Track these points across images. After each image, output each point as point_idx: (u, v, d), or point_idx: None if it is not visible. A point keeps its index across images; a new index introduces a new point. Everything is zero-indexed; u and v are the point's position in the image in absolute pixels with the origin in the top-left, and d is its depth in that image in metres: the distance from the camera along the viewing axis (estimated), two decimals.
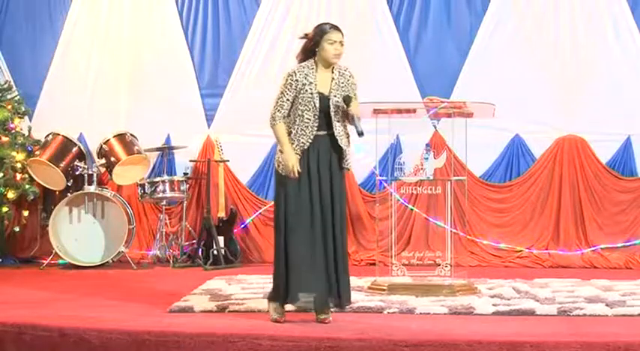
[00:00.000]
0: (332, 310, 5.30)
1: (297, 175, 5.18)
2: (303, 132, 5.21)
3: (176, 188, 8.26)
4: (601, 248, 8.26)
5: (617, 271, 7.83)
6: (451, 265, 6.50)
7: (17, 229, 8.58)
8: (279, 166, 5.29)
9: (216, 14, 8.90)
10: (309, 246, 5.19)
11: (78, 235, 8.16)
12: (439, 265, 6.51)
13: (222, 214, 8.44)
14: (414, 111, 6.59)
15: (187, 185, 8.44)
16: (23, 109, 8.62)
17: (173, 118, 8.80)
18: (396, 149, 7.77)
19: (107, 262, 8.12)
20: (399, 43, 8.61)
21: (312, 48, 5.34)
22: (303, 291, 5.21)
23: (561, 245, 8.36)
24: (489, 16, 8.57)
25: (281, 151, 5.26)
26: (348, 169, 5.39)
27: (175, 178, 8.33)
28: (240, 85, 8.82)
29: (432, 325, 5.09)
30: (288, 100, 5.28)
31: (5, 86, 8.63)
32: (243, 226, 8.69)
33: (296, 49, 5.53)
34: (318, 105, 5.21)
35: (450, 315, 5.52)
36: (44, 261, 8.19)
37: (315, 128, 5.22)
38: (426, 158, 6.63)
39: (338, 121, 5.26)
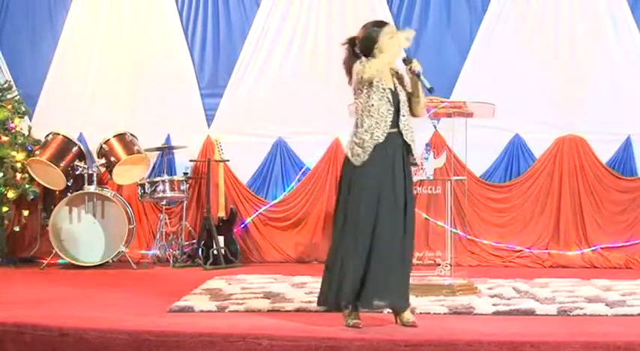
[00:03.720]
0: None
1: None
2: (377, 125, 5.05)
3: (176, 188, 8.26)
4: (601, 248, 8.27)
5: (617, 271, 7.83)
6: (451, 265, 6.50)
7: (17, 229, 8.59)
8: (352, 155, 5.07)
9: (216, 14, 8.91)
10: (385, 249, 5.00)
11: (78, 235, 8.15)
12: (439, 265, 6.51)
13: (222, 214, 8.44)
14: None
15: (187, 185, 8.44)
16: (23, 109, 8.62)
17: (173, 118, 8.80)
18: None
19: (107, 262, 8.12)
20: None
21: (369, 47, 5.16)
22: (381, 297, 5.00)
23: (561, 245, 8.35)
24: (489, 16, 8.58)
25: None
26: (416, 165, 5.31)
27: (175, 178, 8.32)
28: (240, 85, 8.82)
29: (432, 325, 5.09)
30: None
31: (5, 86, 8.63)
32: (243, 226, 8.69)
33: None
34: (391, 99, 5.11)
35: (450, 315, 5.52)
36: (44, 261, 8.19)
37: (390, 124, 5.08)
38: (426, 158, 6.63)
39: (403, 116, 5.15)
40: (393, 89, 5.15)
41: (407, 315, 5.10)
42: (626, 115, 8.36)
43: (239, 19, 8.89)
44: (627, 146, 8.40)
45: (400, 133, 5.12)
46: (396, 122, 5.11)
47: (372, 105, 5.06)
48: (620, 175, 8.39)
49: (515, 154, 8.55)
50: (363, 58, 5.12)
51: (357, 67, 5.09)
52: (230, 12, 8.89)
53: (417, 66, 5.17)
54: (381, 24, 5.25)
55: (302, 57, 8.77)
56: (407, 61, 5.20)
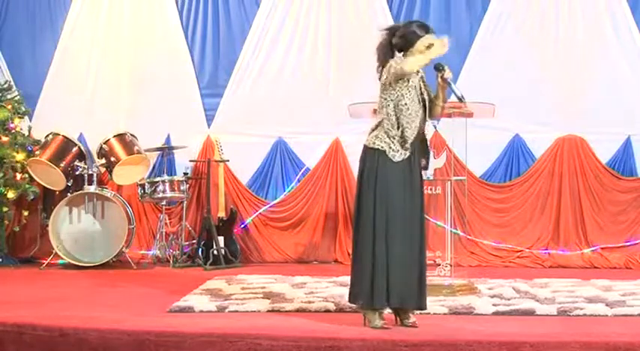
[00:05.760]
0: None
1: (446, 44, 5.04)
2: (408, 125, 5.04)
3: (176, 188, 8.25)
4: (601, 248, 8.27)
5: (617, 271, 7.83)
6: (451, 265, 6.50)
7: (17, 229, 8.59)
8: (389, 151, 5.01)
9: (216, 14, 8.91)
10: (408, 249, 5.01)
11: (78, 235, 8.15)
12: (439, 265, 6.51)
13: (222, 214, 8.44)
14: None
15: (187, 185, 8.43)
16: (23, 109, 8.61)
17: (173, 118, 8.80)
18: None
19: (107, 262, 8.12)
20: None
21: (404, 46, 5.14)
22: (406, 295, 4.99)
23: (561, 245, 8.36)
24: (489, 16, 8.58)
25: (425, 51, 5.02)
26: (426, 168, 5.31)
27: (175, 178, 8.32)
28: (240, 85, 8.82)
29: (432, 325, 5.09)
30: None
31: (5, 86, 8.62)
32: (243, 226, 8.69)
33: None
34: (420, 101, 5.12)
35: (450, 315, 5.52)
36: (44, 261, 8.19)
37: (418, 124, 5.09)
38: None
39: (426, 120, 5.17)
40: (420, 91, 5.17)
41: (407, 315, 5.10)
42: (626, 115, 8.36)
43: (239, 19, 8.89)
44: (627, 146, 8.40)
45: (420, 134, 5.14)
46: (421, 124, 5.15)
47: (405, 104, 5.06)
48: (620, 175, 8.39)
49: (515, 154, 8.55)
50: (398, 56, 5.11)
51: (393, 62, 5.06)
52: (230, 12, 8.90)
53: (448, 74, 5.19)
54: (424, 29, 5.16)
55: (302, 57, 8.77)
56: (439, 69, 5.20)
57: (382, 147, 5.04)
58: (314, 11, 8.77)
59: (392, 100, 5.08)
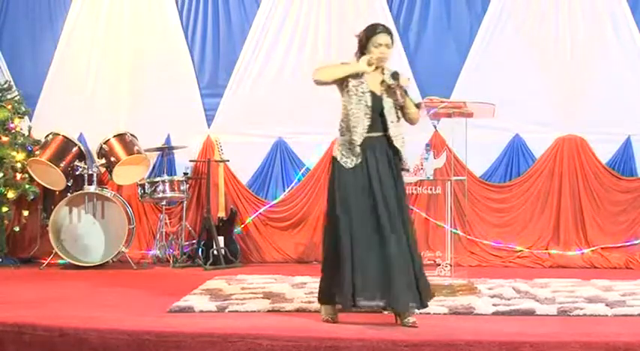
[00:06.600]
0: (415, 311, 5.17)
1: (374, 62, 5.15)
2: (355, 130, 5.13)
3: (176, 188, 8.25)
4: (601, 248, 8.27)
5: (617, 271, 7.83)
6: (451, 265, 6.49)
7: (17, 229, 8.59)
8: (342, 158, 5.15)
9: (216, 14, 8.91)
10: (375, 249, 5.03)
11: (78, 235, 8.16)
12: (439, 265, 6.50)
13: (222, 214, 8.44)
14: None
15: (187, 185, 8.44)
16: (23, 109, 8.62)
17: (173, 118, 8.80)
18: None
19: (107, 262, 8.12)
20: (399, 43, 8.60)
21: (361, 48, 5.28)
22: (368, 297, 5.02)
23: (561, 245, 8.36)
24: (489, 16, 8.58)
25: (351, 73, 5.16)
26: (408, 170, 5.37)
27: (175, 178, 8.32)
28: (240, 85, 8.82)
29: (432, 326, 5.09)
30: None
31: (5, 86, 8.63)
32: (242, 226, 8.69)
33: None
34: (370, 104, 5.15)
35: (450, 315, 5.52)
36: (44, 261, 8.19)
37: (367, 128, 5.13)
38: (426, 158, 6.63)
39: (392, 122, 5.18)
40: (378, 93, 5.20)
41: (407, 315, 5.10)
42: (626, 115, 8.37)
43: (239, 19, 8.90)
44: (627, 146, 8.41)
45: (387, 137, 5.18)
46: (380, 127, 5.17)
47: (351, 109, 5.18)
48: (620, 176, 8.40)
49: (515, 154, 8.55)
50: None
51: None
52: (230, 12, 8.90)
53: (404, 81, 5.25)
54: (374, 30, 5.25)
55: (302, 57, 8.77)
56: (395, 77, 5.24)
57: (336, 154, 5.22)
58: (314, 11, 8.77)
59: (343, 106, 5.23)
